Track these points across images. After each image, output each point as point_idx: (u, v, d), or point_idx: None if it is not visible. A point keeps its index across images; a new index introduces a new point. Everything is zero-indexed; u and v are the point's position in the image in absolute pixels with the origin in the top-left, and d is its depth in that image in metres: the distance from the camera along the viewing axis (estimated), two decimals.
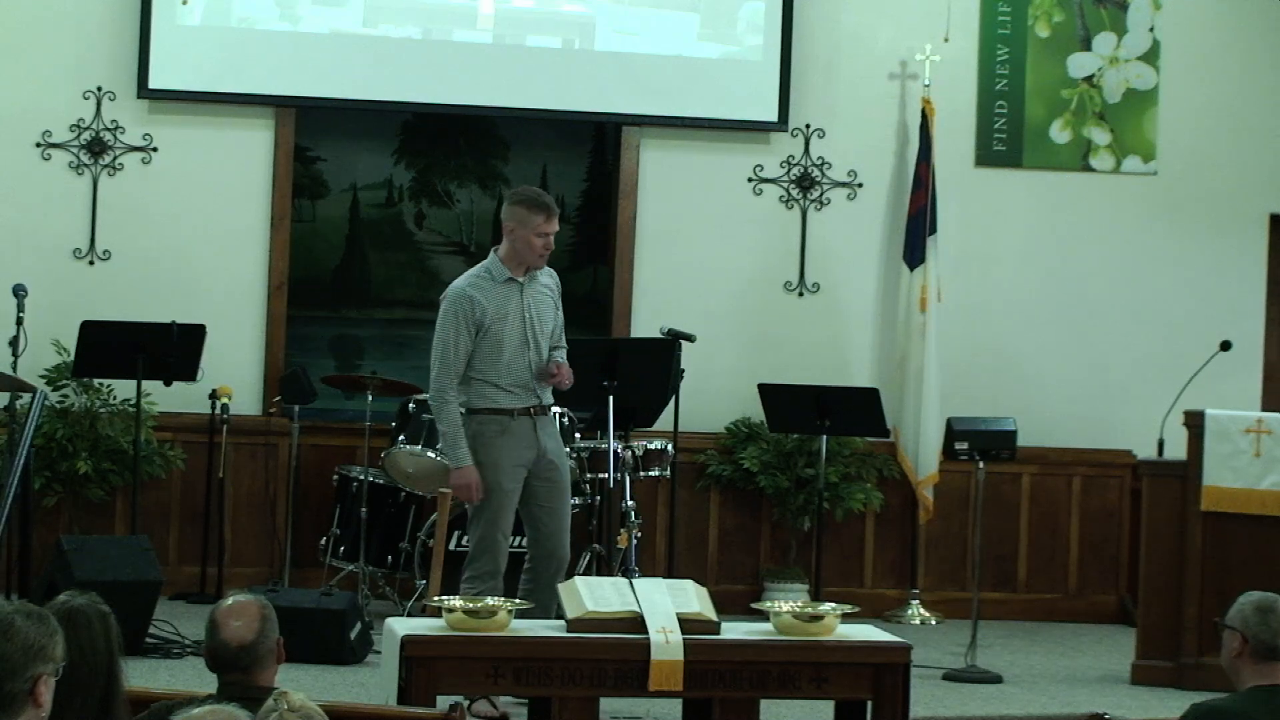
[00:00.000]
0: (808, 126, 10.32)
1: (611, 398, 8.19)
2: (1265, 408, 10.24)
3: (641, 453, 8.79)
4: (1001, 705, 7.79)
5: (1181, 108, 10.56)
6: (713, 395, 9.91)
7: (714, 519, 10.13)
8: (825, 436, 9.02)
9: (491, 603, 5.91)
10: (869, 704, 6.02)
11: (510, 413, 7.29)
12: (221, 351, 9.46)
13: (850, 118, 10.35)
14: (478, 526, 7.28)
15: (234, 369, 9.69)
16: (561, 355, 7.45)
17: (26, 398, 7.87)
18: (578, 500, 9.01)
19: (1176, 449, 8.73)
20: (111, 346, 8.77)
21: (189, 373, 8.91)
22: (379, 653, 6.77)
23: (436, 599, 6.18)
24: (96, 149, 9.73)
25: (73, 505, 9.38)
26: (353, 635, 8.00)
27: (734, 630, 6.11)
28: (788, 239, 10.32)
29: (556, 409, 8.80)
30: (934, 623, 9.96)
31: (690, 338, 8.99)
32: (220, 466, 9.57)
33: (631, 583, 6.08)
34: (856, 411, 9.00)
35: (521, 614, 6.01)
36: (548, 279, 7.47)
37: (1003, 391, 10.25)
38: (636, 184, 10.19)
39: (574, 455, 8.82)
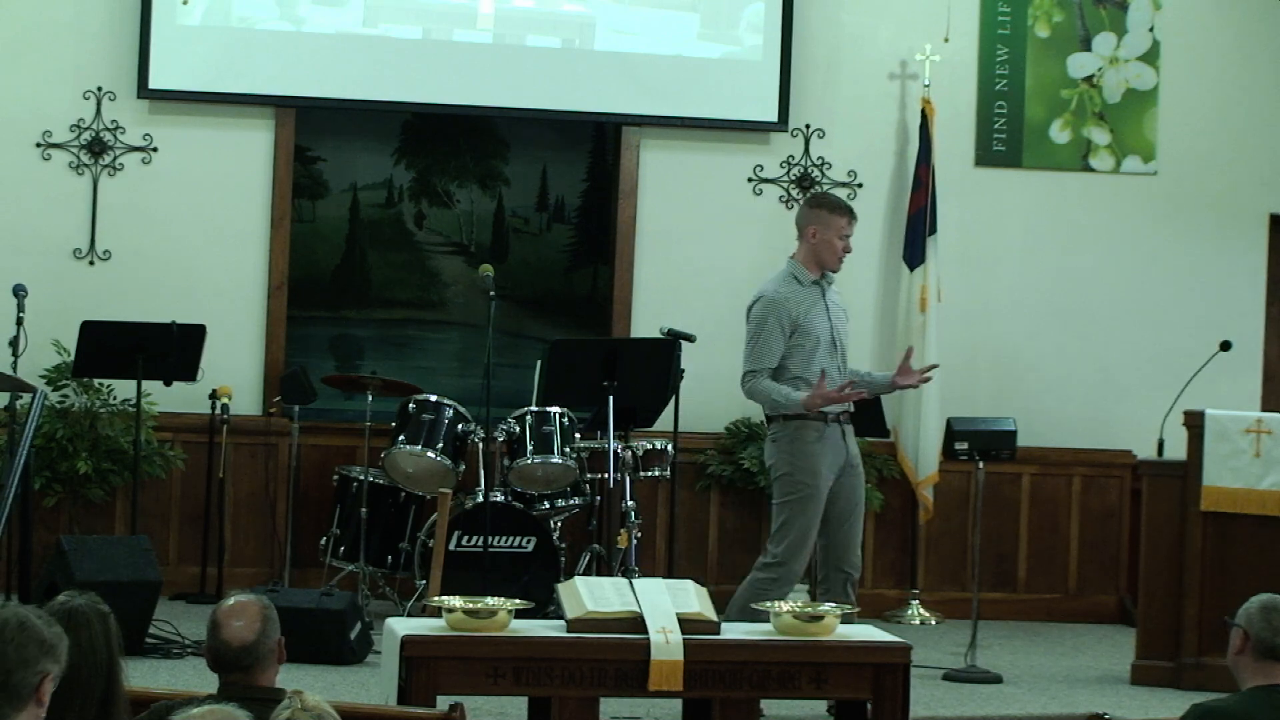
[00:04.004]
0: (808, 126, 10.32)
1: (611, 398, 8.20)
2: (1265, 408, 10.24)
3: (641, 453, 8.80)
4: (1001, 705, 7.79)
5: (1181, 108, 10.56)
6: (713, 395, 9.90)
7: (714, 519, 10.13)
8: None
9: (491, 603, 5.91)
10: (869, 704, 6.02)
11: (825, 418, 7.35)
12: (221, 351, 9.46)
13: (850, 118, 10.35)
14: (792, 527, 7.28)
15: (234, 369, 9.70)
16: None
17: (26, 398, 7.87)
18: (578, 501, 9.04)
19: (1176, 449, 8.73)
20: (111, 346, 8.77)
21: (189, 373, 8.91)
22: (379, 653, 6.77)
23: (436, 599, 6.18)
24: (96, 149, 9.73)
25: (73, 505, 9.38)
26: (353, 635, 8.00)
27: (734, 630, 6.11)
28: (787, 239, 10.27)
29: (555, 409, 8.84)
30: (934, 623, 9.96)
31: (690, 338, 8.99)
32: (220, 466, 9.57)
33: (631, 583, 6.09)
34: (856, 412, 8.98)
35: (522, 614, 6.01)
36: (838, 295, 7.62)
37: (1003, 391, 10.25)
38: (636, 184, 10.19)
39: (574, 455, 8.84)
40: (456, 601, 5.89)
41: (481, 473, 8.85)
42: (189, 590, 9.51)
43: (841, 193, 10.27)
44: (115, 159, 9.75)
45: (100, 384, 9.39)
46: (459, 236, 10.56)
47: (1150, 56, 10.55)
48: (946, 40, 10.24)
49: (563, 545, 8.87)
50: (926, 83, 10.22)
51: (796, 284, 7.42)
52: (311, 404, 9.35)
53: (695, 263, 10.19)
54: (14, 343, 8.65)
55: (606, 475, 8.42)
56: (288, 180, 9.96)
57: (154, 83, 9.68)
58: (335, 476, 9.25)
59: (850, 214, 7.53)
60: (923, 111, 10.19)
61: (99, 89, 9.73)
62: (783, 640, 6.00)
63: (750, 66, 10.21)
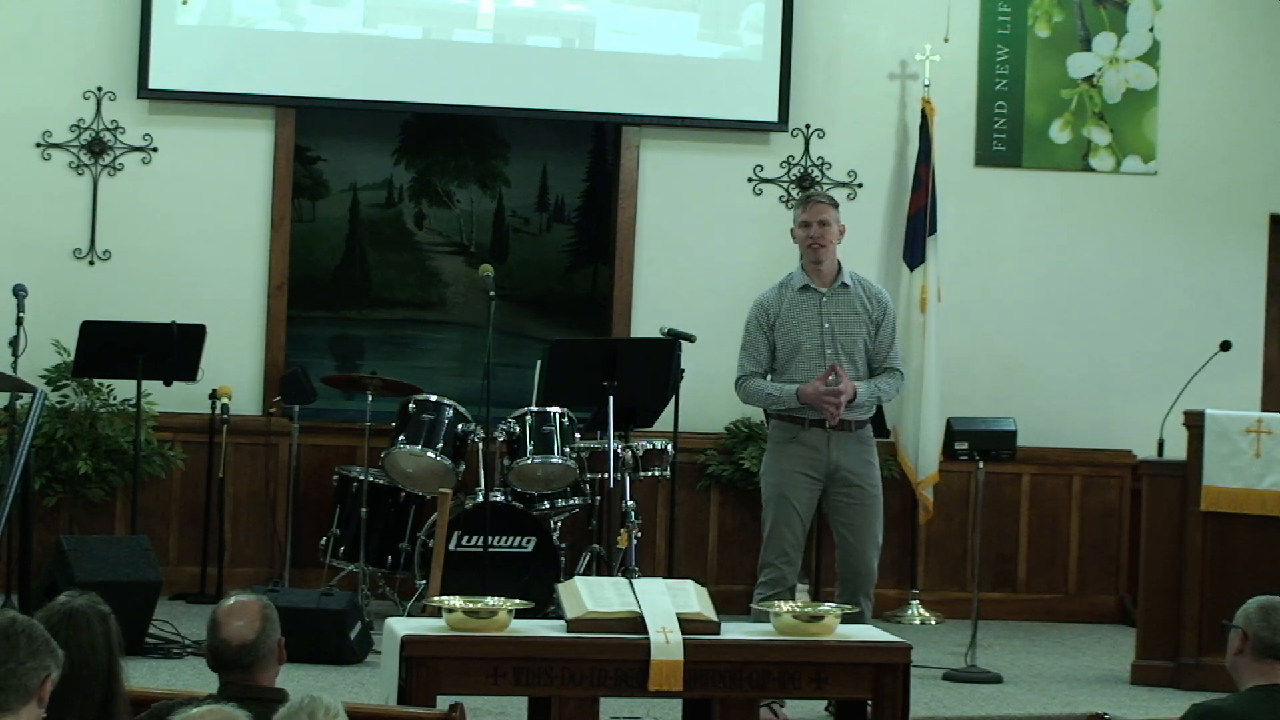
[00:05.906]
0: (808, 126, 10.32)
1: (611, 398, 8.20)
2: (1265, 408, 10.24)
3: (641, 453, 8.79)
4: (1001, 705, 7.79)
5: (1181, 108, 10.56)
6: (713, 395, 9.88)
7: (714, 519, 10.13)
8: None
9: (491, 603, 5.91)
10: (869, 704, 6.02)
11: (802, 422, 7.34)
12: (221, 351, 9.46)
13: (850, 118, 10.35)
14: (764, 527, 7.45)
15: (234, 369, 9.70)
16: (890, 378, 7.49)
17: (26, 398, 7.87)
18: (578, 501, 9.03)
19: (1176, 449, 8.73)
20: (111, 346, 8.77)
21: (189, 373, 8.91)
22: (379, 653, 6.77)
23: (436, 599, 6.18)
24: (96, 149, 9.73)
25: (73, 505, 9.38)
26: (353, 635, 8.00)
27: (734, 630, 6.11)
28: (787, 239, 10.25)
29: (555, 409, 8.84)
30: (934, 623, 9.96)
31: (690, 338, 8.99)
32: (220, 466, 9.58)
33: (631, 583, 6.08)
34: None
35: (522, 614, 6.01)
36: (864, 295, 7.48)
37: (1003, 391, 10.25)
38: (636, 184, 10.19)
39: (574, 455, 8.84)
40: (456, 601, 5.89)
41: (481, 473, 8.85)
42: (189, 590, 9.51)
43: (841, 193, 10.28)
44: (115, 159, 9.75)
45: (100, 384, 9.39)
46: (459, 236, 10.56)
47: (1150, 56, 10.55)
48: (946, 40, 10.24)
49: (563, 545, 8.87)
50: (926, 83, 10.22)
51: (787, 288, 7.48)
52: (311, 404, 9.35)
53: (695, 263, 10.19)
54: (14, 343, 8.66)
55: (606, 475, 8.42)
56: (288, 180, 9.96)
57: (154, 83, 9.68)
58: (335, 476, 9.25)
59: (803, 203, 7.58)
60: (923, 111, 10.19)
61: (99, 89, 9.73)
62: (783, 640, 6.00)
63: (750, 66, 10.21)
